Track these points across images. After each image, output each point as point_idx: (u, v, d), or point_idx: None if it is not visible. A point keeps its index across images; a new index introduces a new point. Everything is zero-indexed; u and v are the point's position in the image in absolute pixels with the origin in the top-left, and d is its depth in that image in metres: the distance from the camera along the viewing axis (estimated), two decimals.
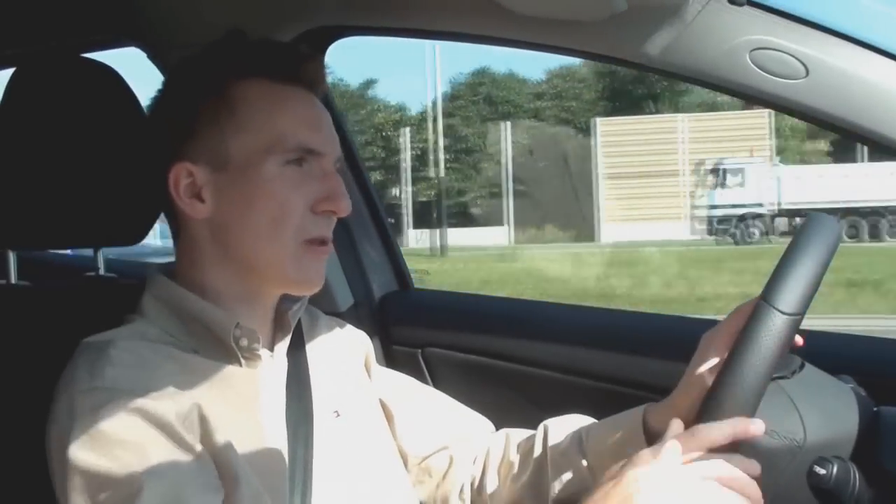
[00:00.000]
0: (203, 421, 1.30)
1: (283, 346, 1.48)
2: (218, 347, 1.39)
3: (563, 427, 1.61)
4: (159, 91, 1.49)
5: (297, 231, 1.39)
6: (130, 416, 1.24)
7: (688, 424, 1.23)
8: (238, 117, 1.39)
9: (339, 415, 1.49)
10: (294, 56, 1.47)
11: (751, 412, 1.18)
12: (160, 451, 1.24)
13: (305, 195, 1.39)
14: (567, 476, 1.55)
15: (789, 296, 1.20)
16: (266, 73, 1.42)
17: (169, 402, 1.27)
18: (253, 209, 1.38)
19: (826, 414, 1.29)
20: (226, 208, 1.40)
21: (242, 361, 1.40)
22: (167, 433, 1.25)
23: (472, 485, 1.67)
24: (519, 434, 1.68)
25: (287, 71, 1.43)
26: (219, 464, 1.29)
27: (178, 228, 1.46)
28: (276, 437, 1.38)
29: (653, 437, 1.48)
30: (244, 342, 1.39)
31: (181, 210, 1.42)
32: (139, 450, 1.23)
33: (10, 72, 1.59)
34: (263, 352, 1.43)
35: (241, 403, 1.38)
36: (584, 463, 1.54)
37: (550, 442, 1.59)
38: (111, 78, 1.64)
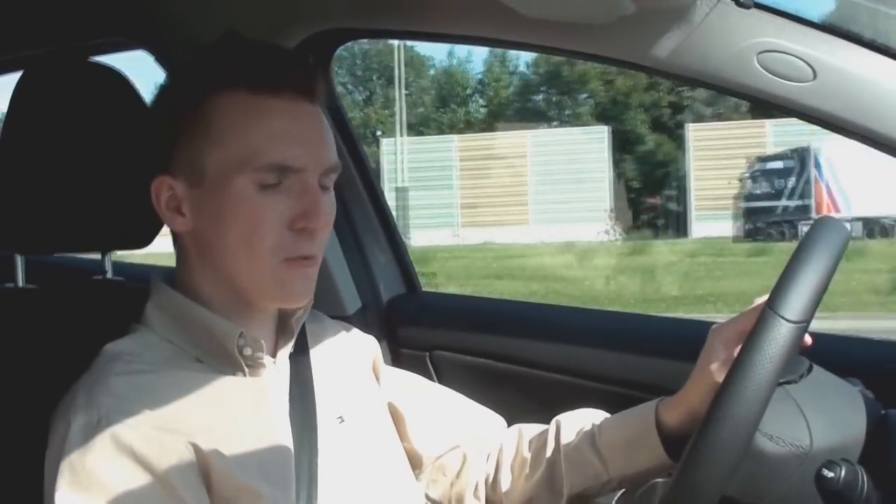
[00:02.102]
0: (201, 452, 1.29)
1: (285, 351, 1.48)
2: (221, 356, 1.39)
3: (575, 422, 1.61)
4: (151, 103, 1.48)
5: (274, 250, 1.35)
6: (118, 455, 1.24)
7: (699, 418, 1.23)
8: (212, 132, 1.35)
9: (343, 420, 1.49)
10: (275, 65, 1.39)
11: (756, 421, 1.18)
12: (142, 497, 1.23)
13: (280, 213, 1.35)
14: (581, 471, 1.55)
15: (795, 304, 1.19)
16: (245, 85, 1.36)
17: (161, 441, 1.27)
18: (226, 226, 1.35)
19: (833, 419, 1.28)
20: (203, 224, 1.38)
21: (246, 370, 1.40)
22: (154, 474, 1.25)
23: (486, 482, 1.67)
24: (531, 430, 1.68)
25: (267, 81, 1.36)
26: (231, 486, 1.28)
27: (173, 237, 1.46)
28: (282, 444, 1.37)
29: (665, 431, 1.49)
30: (248, 351, 1.39)
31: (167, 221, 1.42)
32: (120, 496, 1.22)
33: (17, 75, 1.60)
34: (267, 359, 1.42)
35: (245, 414, 1.37)
36: (598, 458, 1.54)
37: (563, 437, 1.59)
38: (119, 81, 1.64)
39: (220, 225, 1.36)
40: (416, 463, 1.66)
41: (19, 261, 1.64)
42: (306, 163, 1.36)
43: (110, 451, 1.24)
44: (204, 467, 1.28)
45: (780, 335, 1.18)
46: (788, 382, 1.29)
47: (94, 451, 1.24)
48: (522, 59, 44.20)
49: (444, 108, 42.66)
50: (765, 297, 1.25)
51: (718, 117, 34.44)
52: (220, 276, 1.40)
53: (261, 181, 1.34)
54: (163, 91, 1.48)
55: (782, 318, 1.18)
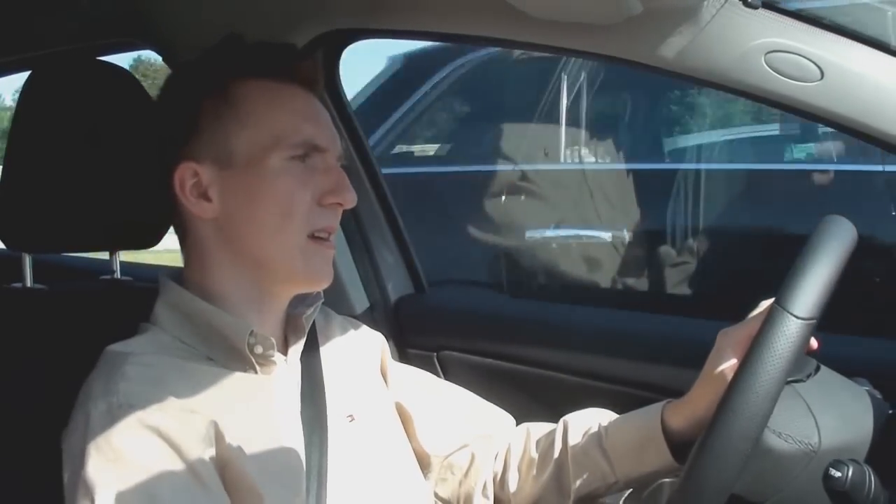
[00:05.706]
0: (220, 437, 1.30)
1: (296, 349, 1.48)
2: (232, 354, 1.39)
3: (582, 423, 1.61)
4: (159, 95, 1.51)
5: (303, 224, 1.40)
6: (143, 435, 1.25)
7: (705, 422, 1.23)
8: (240, 114, 1.40)
9: (353, 419, 1.49)
10: (290, 56, 1.52)
11: (765, 416, 1.18)
12: (169, 475, 1.24)
13: (311, 188, 1.41)
14: (588, 473, 1.55)
15: (804, 300, 1.19)
16: (264, 73, 1.44)
17: (183, 420, 1.28)
18: (260, 204, 1.39)
19: (841, 418, 1.28)
20: (233, 205, 1.40)
21: (257, 368, 1.40)
22: (179, 453, 1.26)
23: (494, 481, 1.67)
24: (539, 429, 1.68)
25: (284, 70, 1.46)
26: (239, 479, 1.29)
27: (185, 232, 1.46)
28: (292, 443, 1.37)
29: (671, 434, 1.49)
30: (259, 349, 1.39)
31: (188, 211, 1.42)
32: (148, 472, 1.23)
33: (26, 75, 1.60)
34: (278, 357, 1.42)
35: (256, 411, 1.38)
36: (605, 459, 1.54)
37: (570, 438, 1.59)
38: (127, 80, 1.64)
39: (254, 203, 1.39)
40: (424, 462, 1.66)
41: (27, 260, 1.64)
42: (328, 144, 1.44)
43: (135, 429, 1.26)
44: (220, 458, 1.29)
45: (789, 331, 1.17)
46: (796, 381, 1.29)
47: (119, 431, 1.25)
48: None
49: None
50: (772, 300, 1.25)
51: None
52: (241, 263, 1.42)
53: (291, 158, 1.40)
54: (177, 81, 1.51)
55: (791, 314, 1.18)
